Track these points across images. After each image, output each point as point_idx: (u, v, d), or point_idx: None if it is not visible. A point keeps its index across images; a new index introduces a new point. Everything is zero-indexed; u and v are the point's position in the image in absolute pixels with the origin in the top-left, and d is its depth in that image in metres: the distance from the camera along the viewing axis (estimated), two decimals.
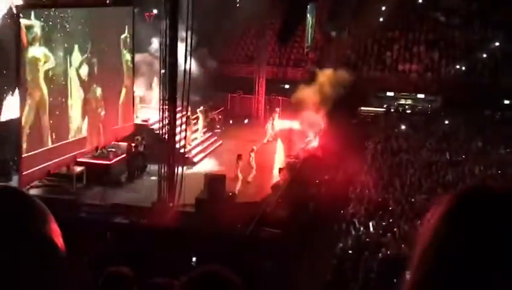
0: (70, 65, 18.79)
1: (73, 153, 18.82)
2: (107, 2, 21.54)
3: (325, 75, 28.56)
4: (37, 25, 17.02)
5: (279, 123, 26.48)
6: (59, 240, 1.03)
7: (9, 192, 1.03)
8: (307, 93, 26.92)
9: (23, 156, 16.60)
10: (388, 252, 14.55)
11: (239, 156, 19.90)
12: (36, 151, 17.16)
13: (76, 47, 18.97)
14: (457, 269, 0.89)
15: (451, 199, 0.97)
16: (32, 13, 16.96)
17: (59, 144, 18.12)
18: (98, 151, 20.19)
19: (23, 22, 16.48)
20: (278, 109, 27.21)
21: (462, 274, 0.88)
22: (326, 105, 27.38)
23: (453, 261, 0.90)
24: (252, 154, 20.63)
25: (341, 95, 28.57)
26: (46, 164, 17.53)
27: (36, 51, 17.07)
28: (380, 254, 14.52)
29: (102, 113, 20.55)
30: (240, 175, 19.54)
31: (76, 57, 19.03)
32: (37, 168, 17.13)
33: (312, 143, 25.07)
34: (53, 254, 1.02)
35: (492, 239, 0.88)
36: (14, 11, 16.55)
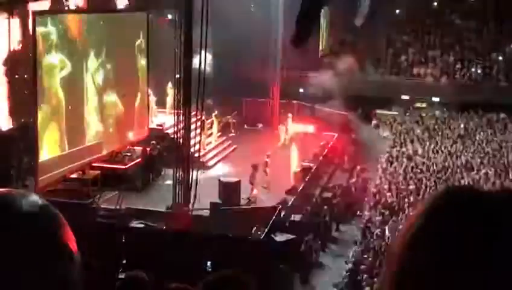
0: (87, 71, 18.94)
1: (89, 158, 18.94)
2: (122, 8, 21.70)
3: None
4: (53, 32, 17.18)
5: (293, 127, 26.45)
6: (73, 245, 1.04)
7: (24, 198, 1.04)
8: None
9: (39, 161, 16.74)
10: None
11: (254, 167, 19.65)
12: (52, 156, 17.29)
13: (92, 53, 19.12)
14: (428, 268, 0.88)
15: (429, 198, 0.97)
16: (49, 20, 17.12)
17: (75, 149, 18.25)
18: (114, 155, 20.30)
19: (40, 29, 16.64)
20: (290, 114, 27.15)
21: (431, 274, 0.88)
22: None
23: (423, 261, 0.89)
24: (267, 160, 20.60)
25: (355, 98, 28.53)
26: (62, 169, 17.65)
27: (53, 58, 17.23)
28: None
29: (118, 118, 20.67)
30: (255, 184, 19.41)
31: (92, 62, 19.17)
32: (53, 173, 17.26)
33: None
34: (69, 259, 1.03)
35: (462, 240, 0.88)
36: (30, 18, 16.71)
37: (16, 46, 17.52)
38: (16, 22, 17.37)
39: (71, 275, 1.02)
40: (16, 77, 17.62)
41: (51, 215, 1.05)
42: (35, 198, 1.05)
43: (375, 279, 14.14)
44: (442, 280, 0.87)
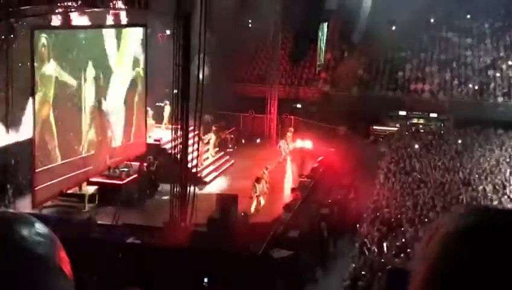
0: (85, 81, 18.96)
1: (85, 169, 18.87)
2: (121, 23, 21.77)
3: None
4: (51, 42, 17.20)
5: (291, 143, 26.47)
6: (67, 268, 1.02)
7: (18, 219, 1.02)
8: None
9: (36, 170, 16.69)
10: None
11: (257, 179, 19.77)
12: (49, 166, 17.25)
13: (90, 63, 19.16)
14: None
15: (449, 221, 0.94)
16: (46, 33, 17.18)
17: (71, 159, 18.21)
18: (111, 170, 20.26)
19: (38, 39, 16.66)
20: (291, 129, 27.19)
21: None
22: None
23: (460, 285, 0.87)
24: (265, 174, 20.60)
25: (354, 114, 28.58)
26: (59, 179, 17.60)
27: (49, 68, 17.22)
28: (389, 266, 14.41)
29: (114, 130, 20.66)
30: (254, 197, 19.44)
31: (90, 73, 19.21)
32: (50, 183, 17.19)
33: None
34: (62, 283, 1.00)
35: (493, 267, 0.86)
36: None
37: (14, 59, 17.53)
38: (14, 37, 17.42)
39: None
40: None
41: (45, 237, 1.02)
42: (29, 220, 1.02)
43: None
44: None
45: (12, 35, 17.44)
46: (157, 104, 24.45)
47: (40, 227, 1.02)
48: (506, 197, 21.68)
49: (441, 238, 0.92)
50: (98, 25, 20.46)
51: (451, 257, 0.90)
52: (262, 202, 19.50)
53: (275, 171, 22.23)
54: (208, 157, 24.20)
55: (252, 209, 19.13)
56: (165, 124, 23.94)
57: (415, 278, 0.94)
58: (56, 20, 18.98)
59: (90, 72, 19.22)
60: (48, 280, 0.98)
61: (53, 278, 0.99)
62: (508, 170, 24.83)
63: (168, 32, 25.02)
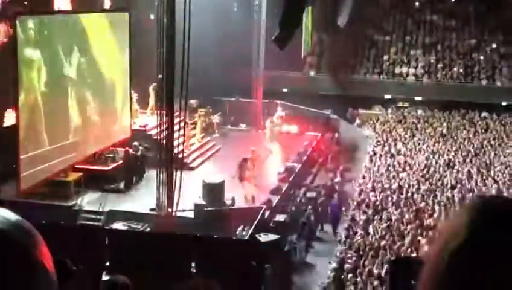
0: (70, 66, 18.79)
1: (71, 155, 18.74)
2: (105, 8, 21.58)
3: None
4: (34, 27, 17.01)
5: (278, 127, 26.47)
6: (49, 264, 1.01)
7: None
8: None
9: (21, 157, 16.54)
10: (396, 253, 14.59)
11: (244, 160, 19.87)
12: (34, 153, 17.09)
13: (75, 48, 18.99)
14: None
15: (467, 211, 0.93)
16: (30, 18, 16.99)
17: (57, 145, 18.07)
18: (96, 157, 20.17)
19: (20, 23, 16.45)
20: (278, 113, 27.15)
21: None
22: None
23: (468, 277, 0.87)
24: (252, 158, 20.61)
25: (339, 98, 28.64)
26: (44, 165, 17.46)
27: (32, 53, 17.03)
28: (388, 256, 14.55)
29: (100, 116, 20.53)
30: (243, 180, 19.49)
31: (75, 58, 19.04)
32: (35, 169, 17.06)
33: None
34: (43, 279, 0.99)
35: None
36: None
37: None
38: None
39: None
40: None
41: (25, 232, 1.01)
42: (8, 214, 1.01)
43: (359, 278, 14.18)
44: None
45: None
46: (142, 89, 24.31)
47: (20, 222, 1.01)
48: (490, 179, 21.90)
49: (449, 246, 0.91)
50: (83, 10, 20.25)
51: (458, 273, 0.89)
52: (249, 185, 19.54)
53: (261, 155, 22.24)
54: (194, 143, 24.15)
55: (240, 193, 19.16)
56: (151, 109, 23.83)
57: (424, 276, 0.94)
58: (39, 5, 18.75)
59: (75, 57, 19.05)
60: (30, 276, 0.97)
61: (35, 274, 0.98)
62: (492, 153, 25.07)
63: (152, 16, 24.85)
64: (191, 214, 17.41)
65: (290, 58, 29.25)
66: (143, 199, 18.37)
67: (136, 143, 21.01)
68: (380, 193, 20.09)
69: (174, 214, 17.06)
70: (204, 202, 17.58)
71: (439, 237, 0.93)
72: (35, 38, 17.11)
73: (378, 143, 26.63)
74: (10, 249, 0.96)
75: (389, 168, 22.94)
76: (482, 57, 33.11)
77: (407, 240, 15.87)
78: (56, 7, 19.29)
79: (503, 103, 30.89)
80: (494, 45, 33.48)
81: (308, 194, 20.76)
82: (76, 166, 19.25)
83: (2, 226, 0.97)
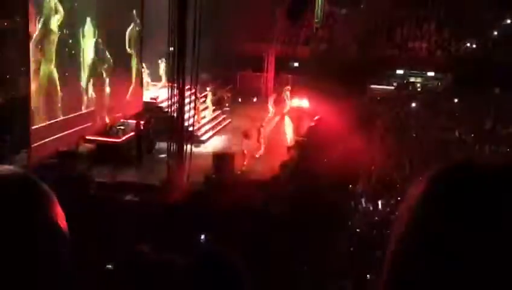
0: (83, 37, 18.77)
1: (83, 126, 18.81)
2: None
3: None
4: None
5: (288, 101, 26.41)
6: (63, 224, 1.03)
7: (12, 175, 1.02)
8: None
9: (32, 127, 16.60)
10: None
11: (245, 133, 19.94)
12: (46, 123, 17.14)
13: (88, 19, 18.95)
14: (434, 256, 0.86)
15: (427, 179, 0.93)
16: None
17: (69, 116, 18.12)
18: (107, 128, 20.24)
19: None
20: (288, 87, 27.04)
21: (438, 260, 0.85)
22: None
23: (428, 249, 0.87)
24: (261, 130, 20.64)
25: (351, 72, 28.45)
26: (56, 136, 17.51)
27: (48, 23, 16.93)
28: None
29: (111, 88, 20.56)
30: (245, 152, 19.57)
31: (89, 29, 19.02)
32: (46, 140, 17.11)
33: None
34: (58, 237, 1.01)
35: (467, 225, 0.85)
36: None
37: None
38: None
39: (62, 255, 1.01)
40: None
41: (41, 193, 1.02)
42: (24, 176, 1.02)
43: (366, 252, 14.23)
44: (436, 264, 0.86)
45: None
46: (154, 61, 24.28)
47: (35, 182, 1.03)
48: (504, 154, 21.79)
49: (411, 203, 0.92)
50: None
51: (417, 221, 0.89)
52: (257, 154, 19.59)
53: (271, 130, 22.25)
54: (204, 116, 24.17)
55: (245, 163, 19.22)
56: (162, 82, 23.82)
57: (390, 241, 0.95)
58: None
59: (89, 28, 19.03)
60: (44, 236, 0.99)
61: (49, 234, 0.99)
62: (504, 130, 24.92)
63: None
64: (200, 186, 17.51)
65: (302, 32, 29.07)
66: (153, 170, 18.46)
67: (147, 115, 21.06)
68: (390, 168, 20.07)
69: (184, 186, 17.15)
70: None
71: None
72: (49, 6, 17.05)
73: (390, 118, 26.52)
74: (27, 209, 0.98)
75: (400, 143, 22.89)
76: (496, 32, 32.70)
77: None
78: None
79: None
80: (509, 20, 33.03)
81: (318, 169, 20.73)
82: (88, 137, 19.33)
83: (19, 188, 0.99)
